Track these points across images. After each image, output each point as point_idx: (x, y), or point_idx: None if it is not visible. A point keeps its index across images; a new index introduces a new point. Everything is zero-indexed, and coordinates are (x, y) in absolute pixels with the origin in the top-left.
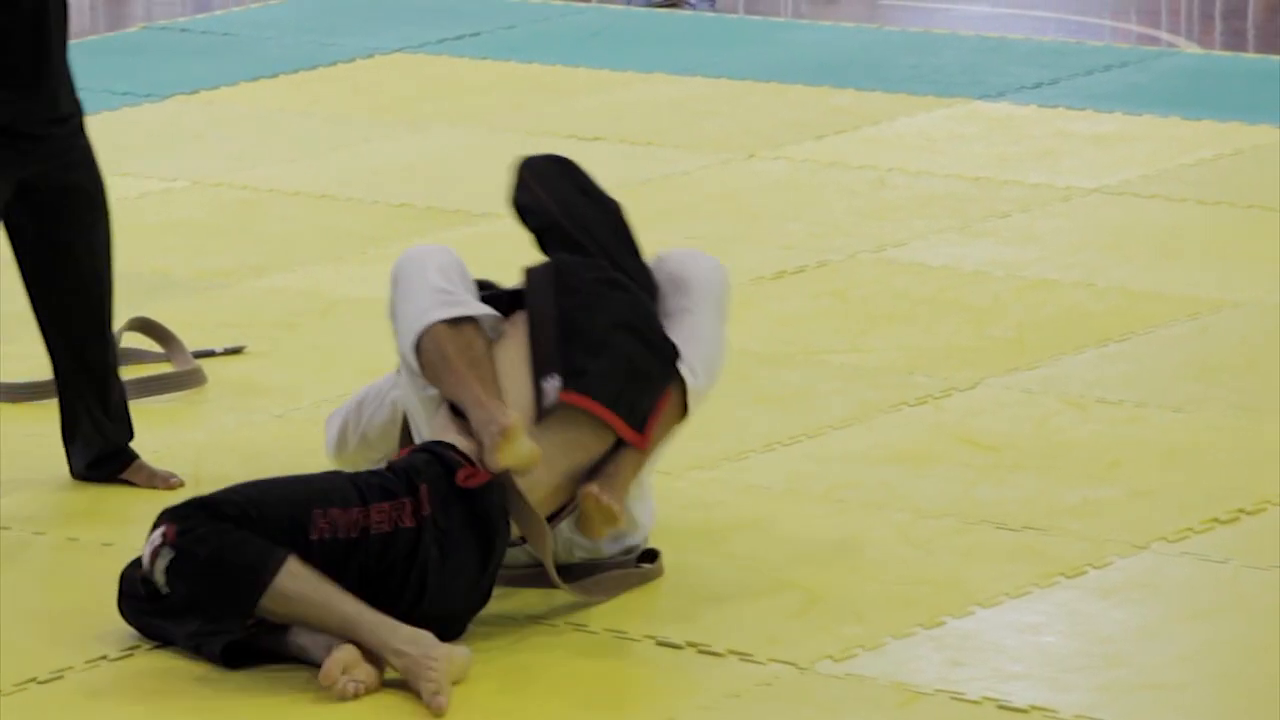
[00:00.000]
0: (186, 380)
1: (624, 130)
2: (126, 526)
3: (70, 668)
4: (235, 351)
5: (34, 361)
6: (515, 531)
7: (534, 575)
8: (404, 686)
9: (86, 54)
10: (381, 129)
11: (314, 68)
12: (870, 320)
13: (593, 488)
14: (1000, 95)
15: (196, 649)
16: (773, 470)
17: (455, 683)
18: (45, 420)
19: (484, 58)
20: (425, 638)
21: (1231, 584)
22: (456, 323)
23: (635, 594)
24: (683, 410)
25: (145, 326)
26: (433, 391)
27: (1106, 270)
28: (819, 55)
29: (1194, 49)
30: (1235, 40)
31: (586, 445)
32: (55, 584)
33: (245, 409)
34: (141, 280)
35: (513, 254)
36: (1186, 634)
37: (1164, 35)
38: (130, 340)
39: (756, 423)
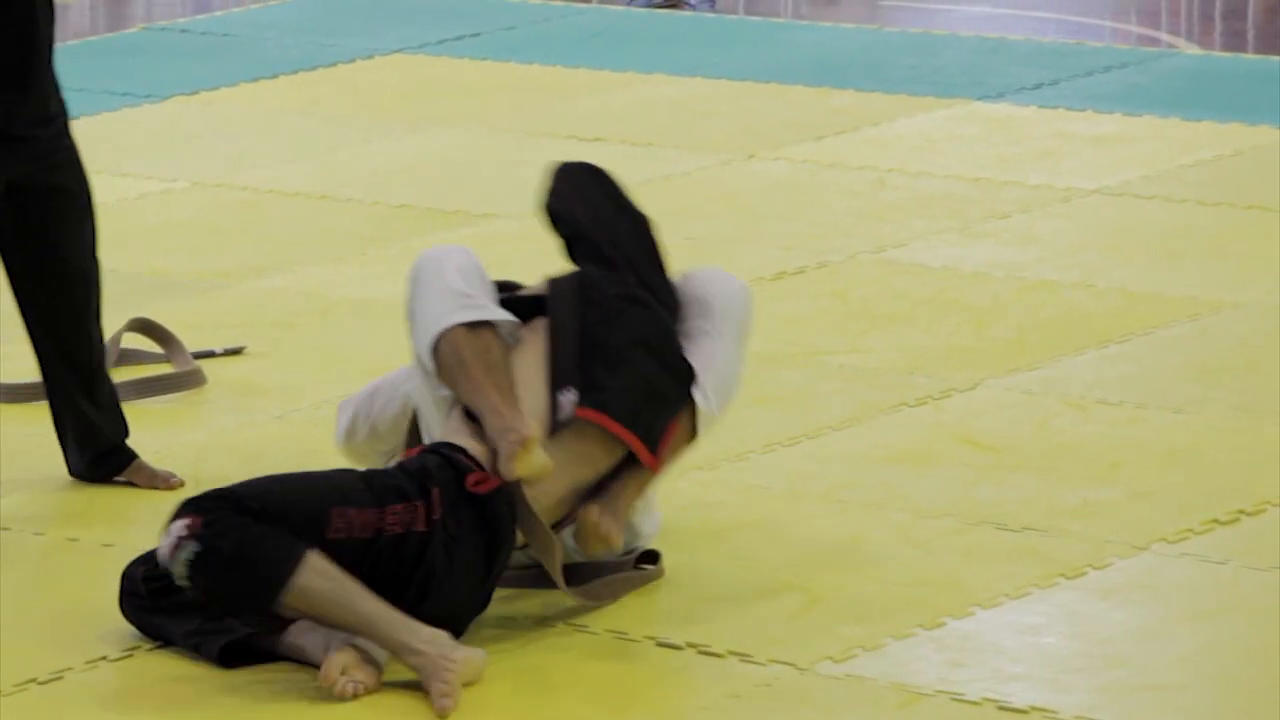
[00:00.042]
0: (186, 381)
1: (624, 131)
2: (126, 527)
3: (70, 668)
4: (235, 352)
5: (33, 362)
6: (519, 539)
7: (534, 576)
8: (404, 687)
9: (86, 55)
10: (381, 130)
11: (314, 68)
12: (870, 321)
13: (593, 511)
14: (1000, 96)
15: (195, 648)
16: (773, 470)
17: (468, 684)
18: (45, 420)
19: (484, 58)
20: (444, 639)
21: (1231, 585)
22: (475, 327)
23: (635, 595)
24: (692, 433)
25: (145, 327)
26: (446, 392)
27: (1106, 271)
28: (819, 56)
29: (1194, 50)
30: (1235, 41)
31: (595, 460)
32: (55, 584)
33: (245, 410)
34: (141, 281)
35: (512, 254)
36: (1186, 635)
37: (1164, 36)
38: (130, 341)
39: (756, 423)
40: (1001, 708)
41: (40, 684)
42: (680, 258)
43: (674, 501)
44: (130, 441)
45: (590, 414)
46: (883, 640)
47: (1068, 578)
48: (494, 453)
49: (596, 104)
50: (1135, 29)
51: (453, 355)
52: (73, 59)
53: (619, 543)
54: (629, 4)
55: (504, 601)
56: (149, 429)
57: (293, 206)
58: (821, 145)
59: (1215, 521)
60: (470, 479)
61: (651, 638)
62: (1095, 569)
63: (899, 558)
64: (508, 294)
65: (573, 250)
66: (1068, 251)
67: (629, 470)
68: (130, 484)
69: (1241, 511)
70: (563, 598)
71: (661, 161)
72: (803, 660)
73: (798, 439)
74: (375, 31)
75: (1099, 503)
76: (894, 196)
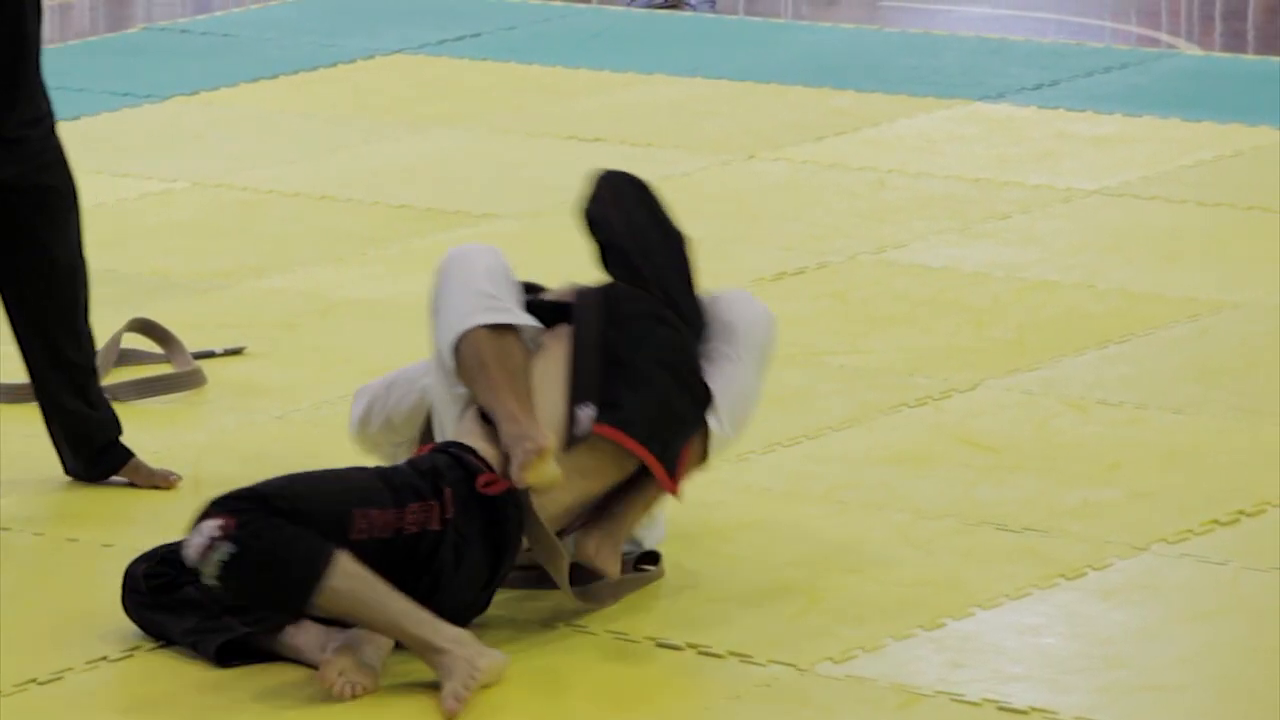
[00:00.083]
0: (186, 381)
1: (624, 131)
2: (126, 527)
3: (70, 669)
4: (235, 352)
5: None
6: (524, 544)
7: (535, 577)
8: (404, 688)
9: (87, 55)
10: (381, 130)
11: (314, 69)
12: (870, 321)
13: (591, 544)
14: (1000, 96)
15: (193, 646)
16: (773, 471)
17: (485, 687)
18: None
19: (484, 59)
20: (468, 639)
21: (1231, 585)
22: (498, 330)
23: (635, 595)
24: (704, 455)
25: (145, 327)
26: (463, 390)
27: (1106, 272)
28: (819, 56)
29: (1194, 50)
30: (1235, 42)
31: (605, 474)
32: (55, 585)
33: (245, 410)
34: (141, 281)
35: (513, 255)
36: (1186, 635)
37: (1164, 37)
38: (130, 341)
39: (757, 423)
40: (1001, 708)
41: (40, 684)
42: None
43: (674, 502)
44: (131, 442)
45: (609, 431)
46: (883, 641)
47: (1068, 578)
48: (505, 457)
49: (596, 104)
50: (1135, 29)
51: (473, 356)
52: (73, 59)
53: (615, 573)
54: (629, 4)
55: (503, 602)
56: (149, 429)
57: (293, 207)
58: (822, 146)
59: (1215, 522)
60: (480, 480)
61: (651, 638)
62: (1095, 569)
63: (899, 558)
64: (533, 297)
65: (605, 258)
66: (1068, 252)
67: (636, 488)
68: (130, 484)
69: (1241, 512)
70: (562, 598)
71: (661, 162)
72: (803, 661)
73: (798, 439)
74: (375, 32)
75: (1099, 503)
76: (894, 197)
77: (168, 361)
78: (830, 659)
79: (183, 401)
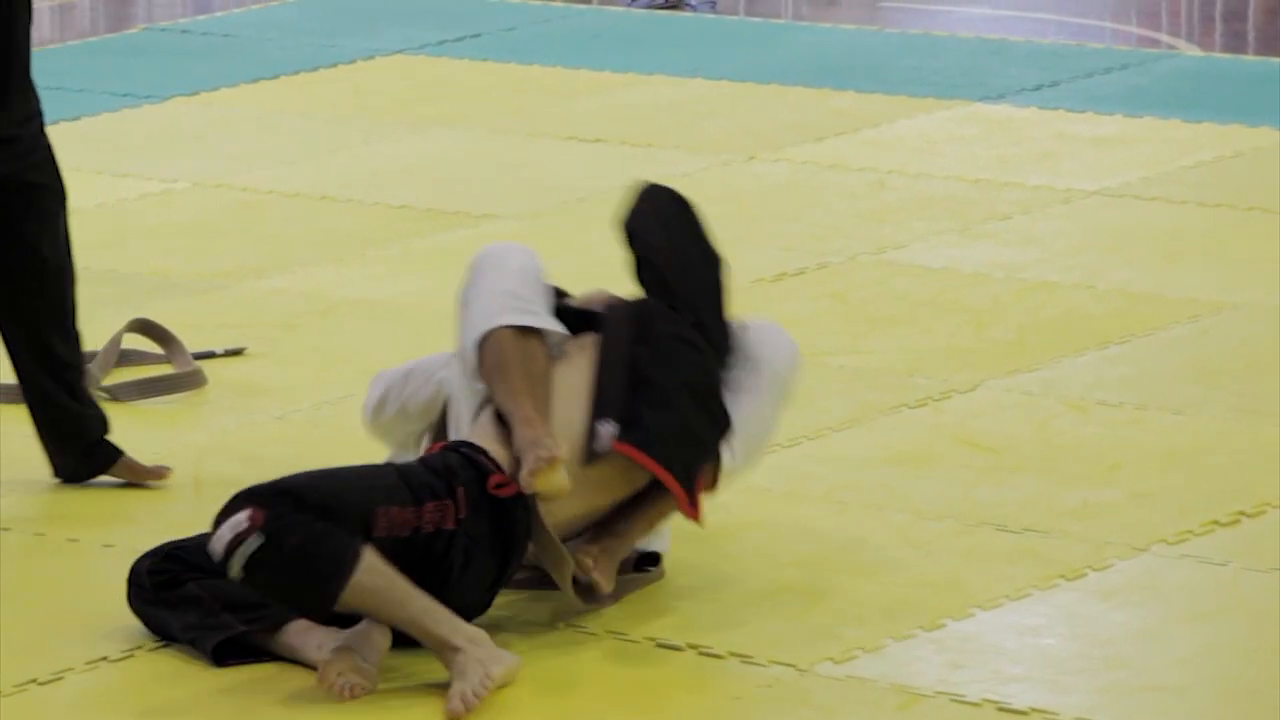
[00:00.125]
0: (187, 381)
1: (624, 132)
2: (127, 527)
3: (70, 669)
4: (235, 353)
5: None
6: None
7: (534, 578)
8: (405, 689)
9: (87, 55)
10: (381, 130)
11: (314, 69)
12: (870, 322)
13: (588, 559)
14: (1000, 97)
15: (191, 643)
16: (773, 471)
17: (499, 688)
18: None
19: (484, 59)
20: (483, 639)
21: (1231, 586)
22: (524, 332)
23: (636, 596)
24: (712, 484)
25: (145, 328)
26: (483, 387)
27: (1107, 272)
28: (819, 57)
29: (1194, 51)
30: (1235, 42)
31: (613, 489)
32: (56, 585)
33: (246, 410)
34: (141, 281)
35: None
36: (1186, 636)
37: (1164, 37)
38: (130, 341)
39: None
40: (1001, 709)
41: (40, 684)
42: None
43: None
44: (132, 442)
45: (630, 451)
46: (883, 641)
47: (1068, 579)
48: (516, 460)
49: (597, 105)
50: (1135, 30)
51: (496, 356)
52: (74, 59)
53: (608, 590)
54: (629, 5)
55: (504, 603)
56: (149, 429)
57: (293, 207)
58: (822, 146)
59: (1215, 523)
60: (492, 481)
61: (652, 639)
62: (1095, 570)
63: (899, 559)
64: (562, 303)
65: (640, 272)
66: (1068, 253)
67: (641, 506)
68: (123, 482)
69: (1241, 513)
70: (561, 598)
71: (662, 163)
72: (803, 661)
73: (798, 440)
74: (376, 32)
75: (1099, 504)
76: (894, 198)
77: (168, 362)
78: (830, 659)
79: (183, 402)
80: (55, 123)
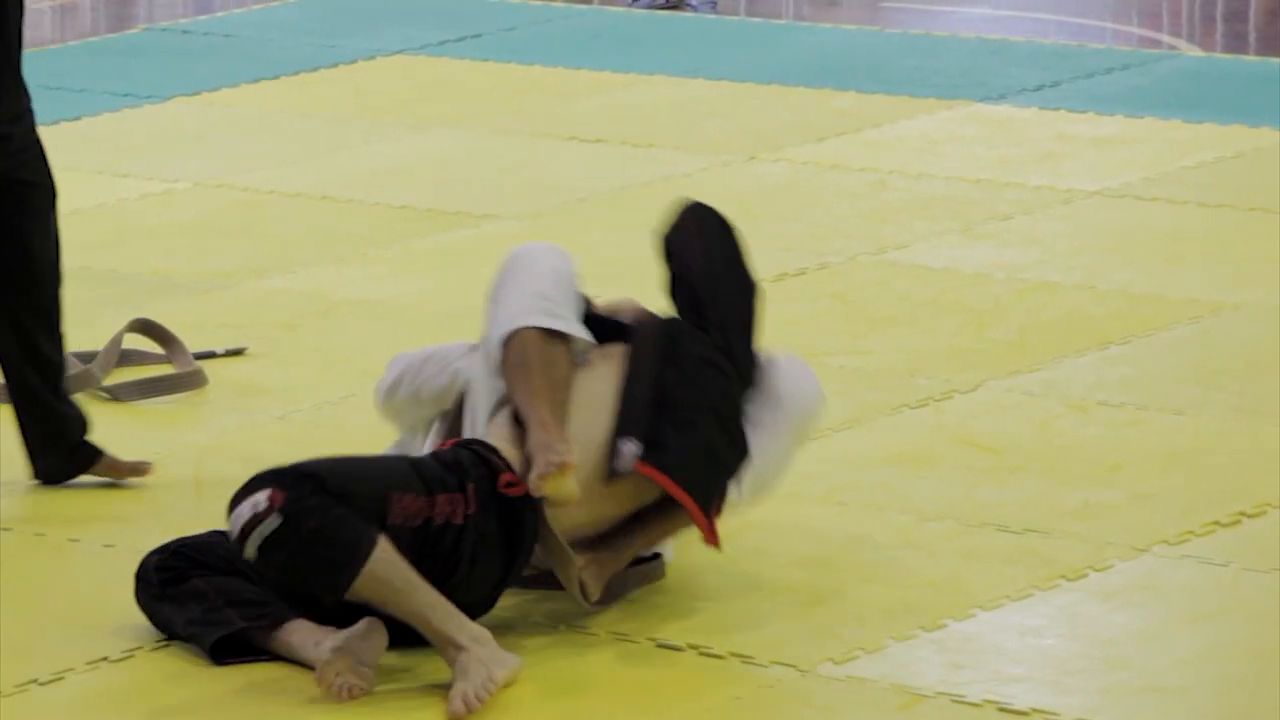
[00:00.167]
0: (188, 382)
1: (625, 132)
2: (128, 527)
3: (71, 669)
4: (236, 353)
5: None
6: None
7: (533, 577)
8: (403, 690)
9: (88, 55)
10: (382, 131)
11: (315, 69)
12: (871, 322)
13: (577, 566)
14: (1001, 98)
15: (191, 638)
16: None
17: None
18: None
19: (485, 59)
20: (487, 639)
21: (1232, 587)
22: (549, 335)
23: (636, 597)
24: (716, 514)
25: (146, 328)
26: (504, 384)
27: (1107, 273)
28: (820, 57)
29: (1195, 52)
30: (1236, 43)
31: (623, 502)
32: (56, 585)
33: (246, 410)
34: (142, 281)
35: None
36: (1187, 637)
37: (1165, 38)
38: (131, 341)
39: None
40: (1002, 709)
41: (41, 685)
42: None
43: None
44: (132, 443)
45: (653, 473)
46: (884, 642)
47: (1069, 579)
48: (528, 462)
49: (597, 105)
50: (1136, 30)
51: (519, 355)
52: (75, 59)
53: (593, 598)
54: (630, 5)
55: (505, 603)
56: (150, 430)
57: (294, 207)
58: (823, 147)
59: (1216, 523)
60: (503, 479)
61: (652, 640)
62: (1096, 571)
63: (900, 559)
64: (591, 310)
65: (674, 289)
66: (1069, 253)
67: (644, 523)
68: (109, 482)
69: (1242, 513)
70: (561, 598)
71: (662, 163)
72: (804, 662)
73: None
74: (376, 33)
75: (1100, 504)
76: (895, 198)
77: (169, 362)
78: (831, 660)
79: (184, 402)
80: (56, 123)
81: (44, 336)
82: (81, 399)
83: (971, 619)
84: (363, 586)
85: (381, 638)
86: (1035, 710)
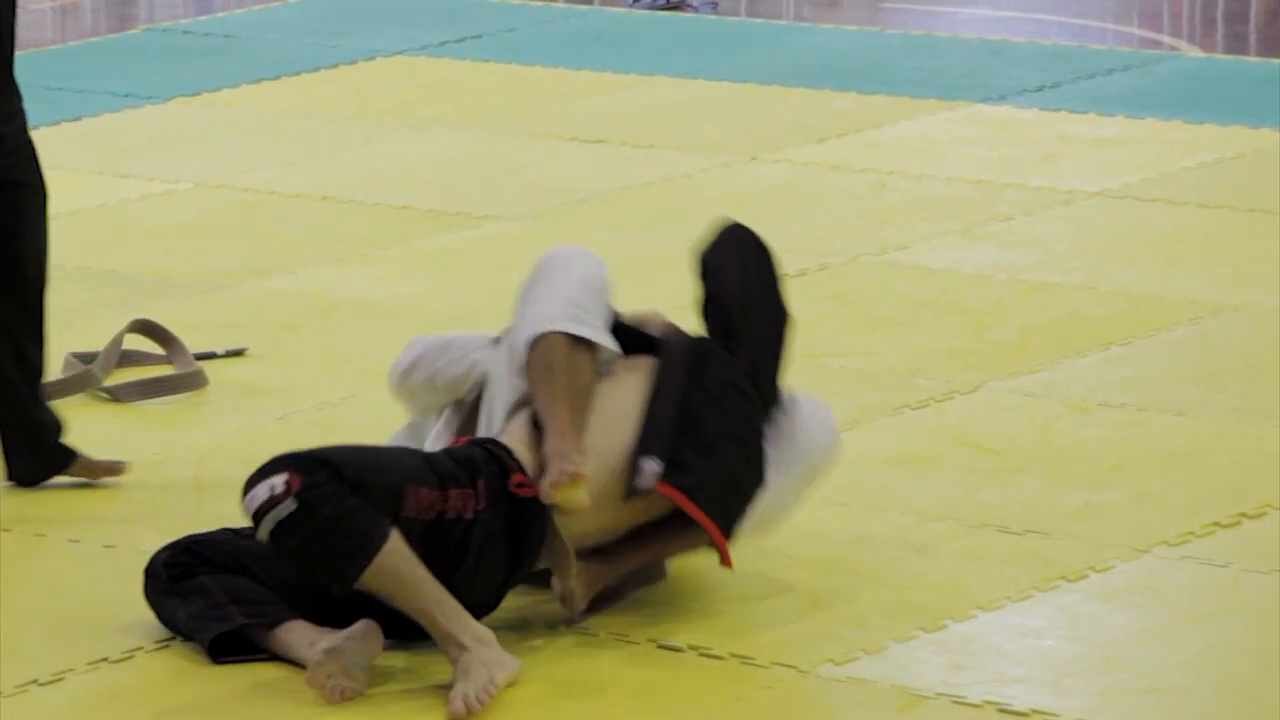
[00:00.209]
0: (188, 382)
1: (625, 133)
2: (128, 528)
3: (71, 670)
4: (237, 353)
5: None
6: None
7: (534, 575)
8: (403, 691)
9: (89, 56)
10: (382, 131)
11: (315, 70)
12: (872, 323)
13: (572, 574)
14: (1002, 98)
15: (191, 634)
16: None
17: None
18: None
19: (485, 60)
20: (490, 639)
21: (1233, 588)
22: (577, 342)
23: (636, 597)
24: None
25: (146, 328)
26: (524, 384)
27: (1108, 274)
28: (821, 58)
29: (1196, 52)
30: (1237, 44)
31: (633, 515)
32: (56, 586)
33: (247, 411)
34: (143, 282)
35: (513, 256)
36: (1188, 638)
37: (1166, 39)
38: (132, 342)
39: None
40: (1003, 710)
41: (41, 685)
42: (681, 261)
43: None
44: (132, 443)
45: (674, 494)
46: (884, 643)
47: (1069, 580)
48: (542, 467)
49: (598, 106)
50: (1137, 31)
51: (544, 359)
52: (76, 60)
53: (577, 608)
54: (631, 6)
55: (505, 602)
56: (150, 430)
57: (294, 208)
58: (823, 147)
59: (1216, 524)
60: (514, 479)
61: (653, 640)
62: (1096, 572)
63: (900, 560)
64: (619, 320)
65: (706, 308)
66: (1069, 254)
67: (645, 539)
68: (104, 484)
69: (1243, 514)
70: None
71: (663, 163)
72: (804, 663)
73: None
74: (377, 33)
75: (1100, 505)
76: (896, 199)
77: (169, 362)
78: (832, 661)
79: (184, 403)
80: (57, 123)
81: (29, 339)
82: (81, 400)
83: (972, 620)
84: (372, 578)
85: (377, 641)
86: (1035, 711)
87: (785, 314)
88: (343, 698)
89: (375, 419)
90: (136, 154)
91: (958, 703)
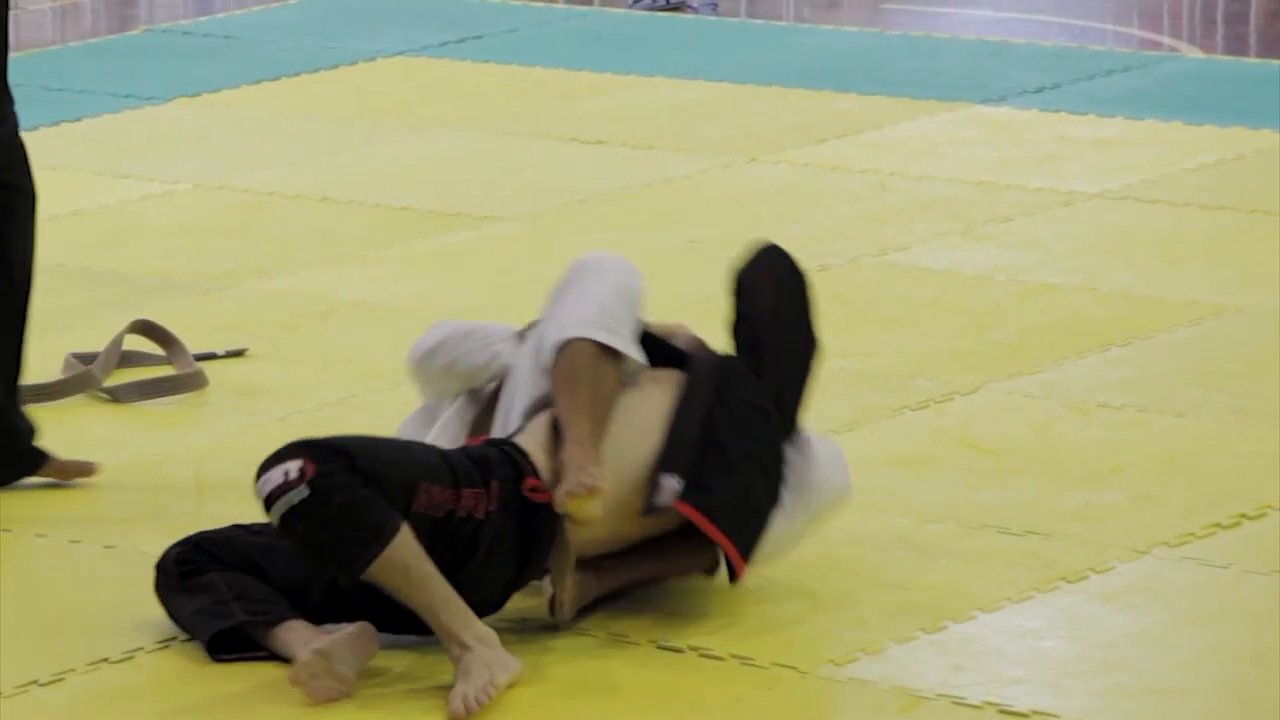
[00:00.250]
0: (188, 383)
1: (626, 134)
2: (128, 529)
3: (71, 670)
4: (237, 354)
5: (34, 365)
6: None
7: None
8: (403, 691)
9: (89, 56)
10: (383, 132)
11: (315, 70)
12: (872, 324)
13: (569, 582)
14: (1002, 99)
15: (193, 629)
16: None
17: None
18: (47, 423)
19: (486, 61)
20: (493, 640)
21: (1233, 589)
22: (604, 350)
23: (636, 597)
24: (714, 567)
25: (147, 329)
26: (548, 386)
27: (1108, 275)
28: (821, 59)
29: (1196, 53)
30: (1237, 45)
31: (643, 527)
32: (57, 586)
33: (247, 411)
34: (143, 282)
35: (513, 257)
36: (1188, 639)
37: (1166, 40)
38: (132, 343)
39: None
40: (1003, 711)
41: (41, 685)
42: (681, 261)
43: None
44: (133, 444)
45: (694, 514)
46: (884, 644)
47: (1069, 581)
48: (557, 474)
49: (598, 106)
50: (1137, 32)
51: (570, 364)
52: (76, 60)
53: (565, 616)
54: (631, 7)
55: (509, 605)
56: (150, 431)
57: (294, 208)
58: (823, 148)
59: (1216, 525)
60: (527, 483)
61: (653, 641)
62: (1096, 573)
63: (900, 561)
64: (648, 331)
65: (736, 326)
66: (1069, 255)
67: (645, 555)
68: (51, 482)
69: (1243, 515)
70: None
71: (663, 164)
72: (804, 664)
73: None
74: (377, 34)
75: (1100, 506)
76: (896, 200)
77: (169, 363)
78: (832, 661)
79: (184, 403)
80: (57, 124)
81: (11, 343)
82: (81, 400)
83: (972, 621)
84: (379, 570)
85: (371, 644)
86: (1035, 712)
87: (815, 343)
88: (326, 698)
89: (375, 419)
90: (137, 154)
91: (958, 704)
